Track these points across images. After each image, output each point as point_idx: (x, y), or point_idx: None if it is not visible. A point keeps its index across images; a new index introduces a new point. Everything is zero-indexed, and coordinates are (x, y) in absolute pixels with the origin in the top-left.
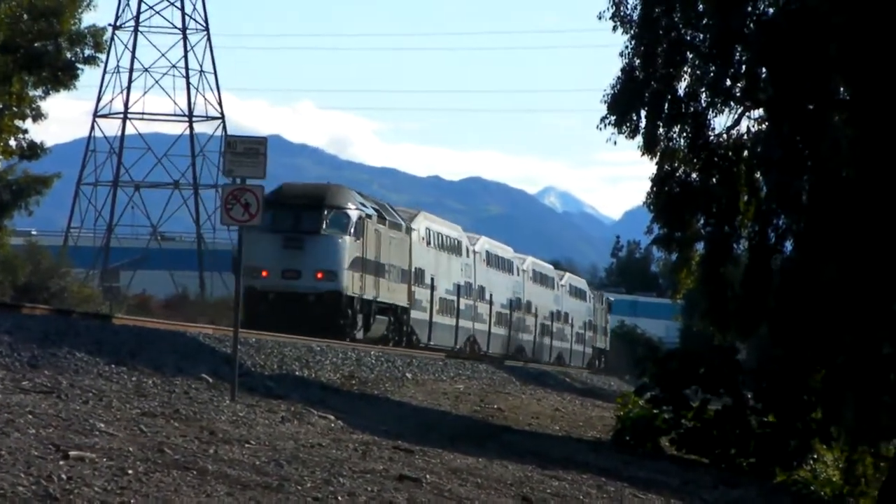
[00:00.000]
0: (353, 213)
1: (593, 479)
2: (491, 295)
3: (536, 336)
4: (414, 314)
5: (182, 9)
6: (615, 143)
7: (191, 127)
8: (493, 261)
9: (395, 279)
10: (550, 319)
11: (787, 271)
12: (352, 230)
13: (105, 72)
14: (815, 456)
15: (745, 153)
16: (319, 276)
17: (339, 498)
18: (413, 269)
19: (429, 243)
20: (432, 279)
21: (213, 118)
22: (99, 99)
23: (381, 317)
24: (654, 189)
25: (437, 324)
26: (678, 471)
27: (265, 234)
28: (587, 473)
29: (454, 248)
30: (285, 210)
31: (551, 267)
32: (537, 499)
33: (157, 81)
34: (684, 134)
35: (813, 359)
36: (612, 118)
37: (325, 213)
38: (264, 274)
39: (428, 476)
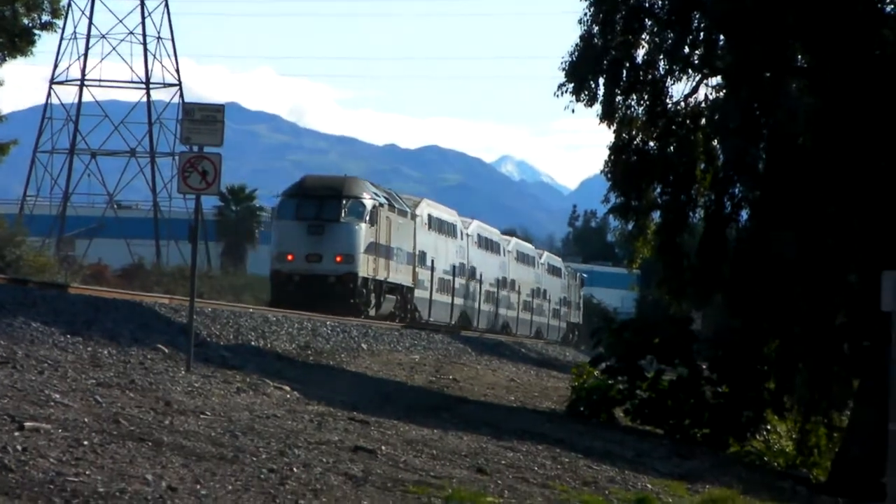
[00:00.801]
0: (368, 203)
1: (548, 450)
2: (481, 274)
3: (519, 312)
4: (417, 293)
5: None
6: (573, 111)
7: (148, 94)
8: (483, 242)
9: (401, 261)
10: (531, 296)
11: (742, 241)
12: (367, 218)
13: (62, 38)
14: (769, 427)
15: (703, 121)
16: (339, 259)
17: (295, 469)
18: (417, 252)
19: (430, 227)
20: (432, 261)
21: (171, 85)
22: (56, 65)
23: (389, 296)
24: (612, 157)
25: (437, 301)
26: (633, 441)
27: (291, 221)
28: (542, 444)
29: (451, 232)
30: (308, 200)
31: (531, 246)
32: (492, 470)
33: (114, 48)
34: (642, 102)
35: (767, 329)
36: (570, 86)
37: (344, 202)
38: (290, 258)
39: (383, 447)
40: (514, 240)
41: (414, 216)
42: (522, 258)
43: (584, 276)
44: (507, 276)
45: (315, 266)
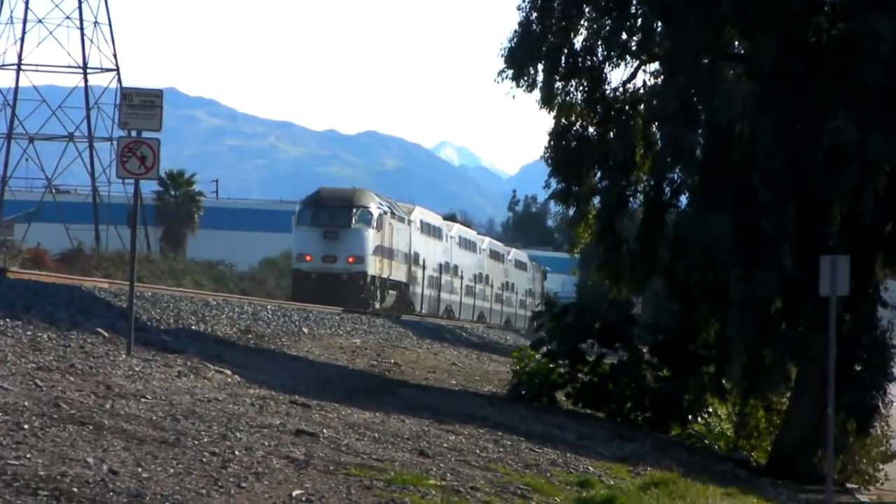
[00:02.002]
0: (375, 211)
1: (490, 434)
2: (462, 271)
3: (492, 303)
4: (412, 288)
5: None
6: (513, 97)
7: (85, 79)
8: (463, 243)
9: (400, 261)
10: (502, 289)
11: (680, 226)
12: (374, 224)
13: None
14: (710, 410)
15: (642, 107)
16: (351, 260)
17: (237, 452)
18: (412, 253)
19: (422, 231)
20: (424, 260)
21: (108, 70)
22: None
23: (392, 291)
24: (552, 143)
25: (427, 295)
26: (574, 425)
27: (309, 227)
28: (484, 428)
29: (437, 234)
30: (324, 209)
31: (501, 244)
32: (434, 453)
33: (50, 32)
34: (581, 88)
35: (706, 313)
36: (510, 72)
37: (354, 211)
38: (308, 258)
39: (325, 430)
40: (487, 239)
41: (409, 221)
42: (494, 255)
43: (547, 269)
44: (483, 271)
45: (330, 266)
